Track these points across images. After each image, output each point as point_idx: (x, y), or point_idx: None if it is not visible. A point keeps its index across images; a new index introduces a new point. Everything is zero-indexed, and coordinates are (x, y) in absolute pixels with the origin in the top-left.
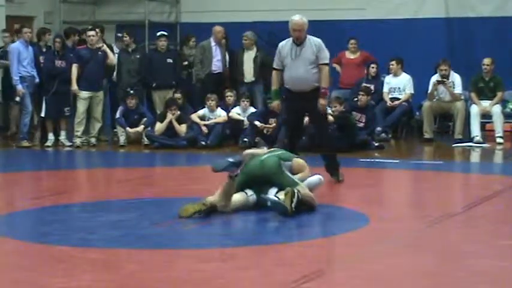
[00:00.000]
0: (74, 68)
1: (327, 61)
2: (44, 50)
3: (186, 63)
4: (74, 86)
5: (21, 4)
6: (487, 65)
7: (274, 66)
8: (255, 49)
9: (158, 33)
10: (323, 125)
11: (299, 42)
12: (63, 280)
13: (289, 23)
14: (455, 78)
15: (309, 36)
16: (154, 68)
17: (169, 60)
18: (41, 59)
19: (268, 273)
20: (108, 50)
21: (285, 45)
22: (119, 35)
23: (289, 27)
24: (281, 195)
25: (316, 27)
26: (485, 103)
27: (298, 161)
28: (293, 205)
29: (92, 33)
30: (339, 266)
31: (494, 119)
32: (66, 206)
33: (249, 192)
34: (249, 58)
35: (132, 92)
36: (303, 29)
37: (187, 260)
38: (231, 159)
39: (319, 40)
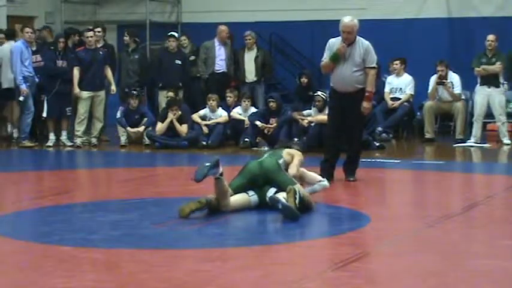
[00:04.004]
0: (76, 71)
1: (374, 65)
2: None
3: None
4: (76, 89)
5: (22, 4)
6: (491, 41)
7: (323, 59)
8: (255, 49)
9: (168, 34)
10: (358, 126)
11: (348, 44)
12: (64, 280)
13: (340, 24)
14: (454, 78)
15: (358, 38)
16: (162, 68)
17: (178, 62)
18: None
19: (269, 273)
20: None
21: (335, 43)
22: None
23: (339, 28)
24: (281, 195)
25: (317, 27)
26: (489, 89)
27: (288, 150)
28: (297, 202)
29: (90, 33)
30: (339, 266)
31: (495, 107)
32: (67, 206)
33: (251, 192)
34: (250, 58)
35: (135, 92)
36: (352, 31)
37: (188, 260)
38: (207, 164)
39: (367, 43)
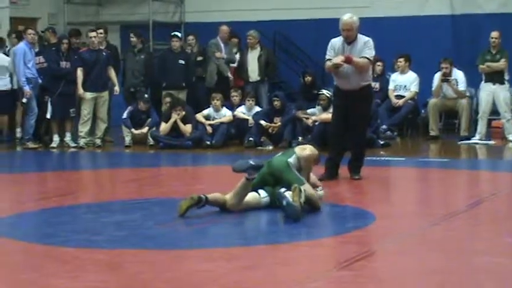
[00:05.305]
0: (79, 72)
1: (369, 57)
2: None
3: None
4: (80, 90)
5: (25, 5)
6: (495, 38)
7: (327, 57)
8: (258, 48)
9: (172, 34)
10: (362, 125)
11: (349, 41)
12: (68, 281)
13: (339, 23)
14: (458, 75)
15: (359, 35)
16: (166, 68)
17: (181, 62)
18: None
19: (273, 273)
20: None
21: (337, 41)
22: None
23: (339, 26)
24: (288, 194)
25: (321, 26)
26: (493, 86)
27: (300, 146)
28: (301, 200)
29: (93, 34)
30: (345, 265)
31: (500, 104)
32: (71, 207)
33: (263, 194)
34: (253, 57)
35: (146, 96)
36: (352, 28)
37: (192, 260)
38: (252, 162)
39: (368, 39)
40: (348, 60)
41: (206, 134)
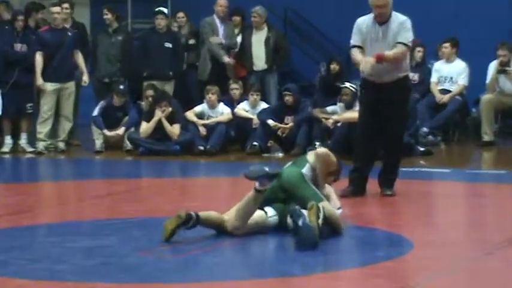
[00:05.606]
0: (39, 57)
1: (406, 42)
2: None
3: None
4: (39, 80)
5: None
6: None
7: (354, 43)
8: (265, 29)
9: (156, 10)
10: (398, 126)
11: (382, 22)
12: None
13: None
14: None
15: (394, 14)
16: (148, 53)
17: (168, 45)
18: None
19: None
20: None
21: (365, 21)
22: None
23: (369, 2)
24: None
25: (349, 3)
26: None
27: (314, 151)
28: (320, 221)
29: (56, 9)
30: None
31: None
32: (28, 228)
33: (270, 212)
34: (258, 40)
35: (122, 87)
36: (385, 5)
37: None
38: (267, 170)
39: (404, 18)
40: (380, 59)
41: (199, 136)
